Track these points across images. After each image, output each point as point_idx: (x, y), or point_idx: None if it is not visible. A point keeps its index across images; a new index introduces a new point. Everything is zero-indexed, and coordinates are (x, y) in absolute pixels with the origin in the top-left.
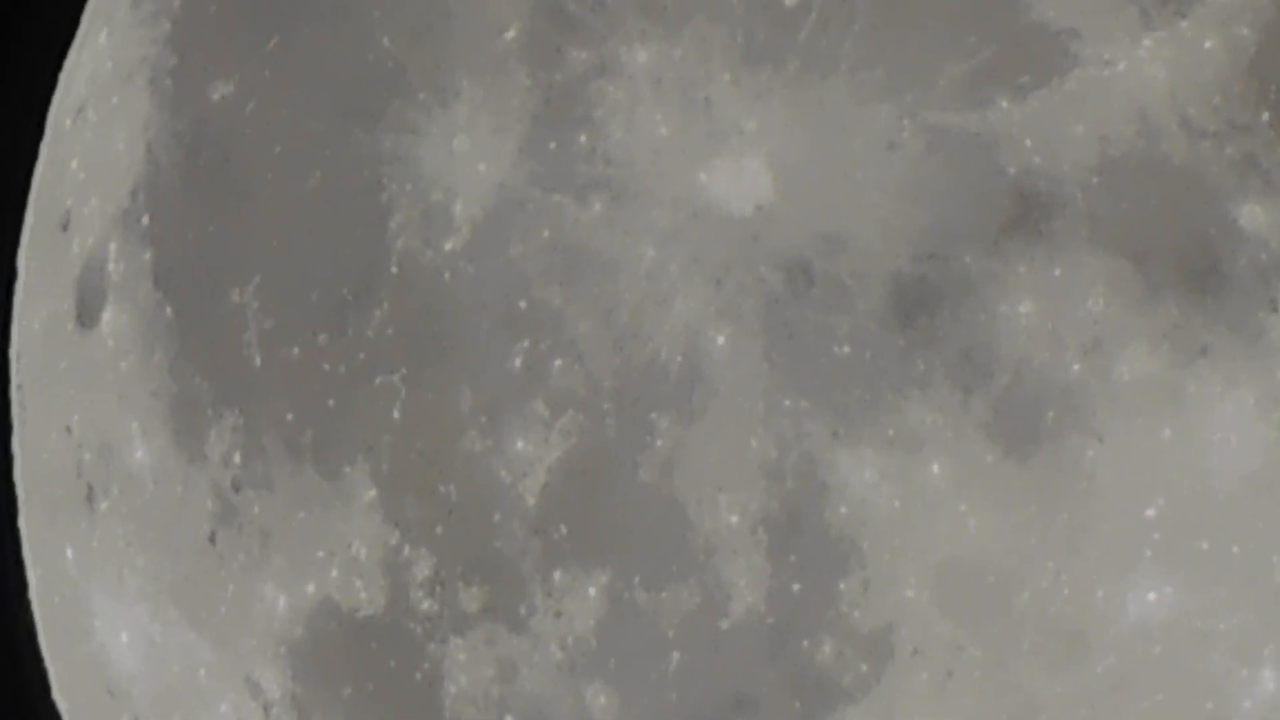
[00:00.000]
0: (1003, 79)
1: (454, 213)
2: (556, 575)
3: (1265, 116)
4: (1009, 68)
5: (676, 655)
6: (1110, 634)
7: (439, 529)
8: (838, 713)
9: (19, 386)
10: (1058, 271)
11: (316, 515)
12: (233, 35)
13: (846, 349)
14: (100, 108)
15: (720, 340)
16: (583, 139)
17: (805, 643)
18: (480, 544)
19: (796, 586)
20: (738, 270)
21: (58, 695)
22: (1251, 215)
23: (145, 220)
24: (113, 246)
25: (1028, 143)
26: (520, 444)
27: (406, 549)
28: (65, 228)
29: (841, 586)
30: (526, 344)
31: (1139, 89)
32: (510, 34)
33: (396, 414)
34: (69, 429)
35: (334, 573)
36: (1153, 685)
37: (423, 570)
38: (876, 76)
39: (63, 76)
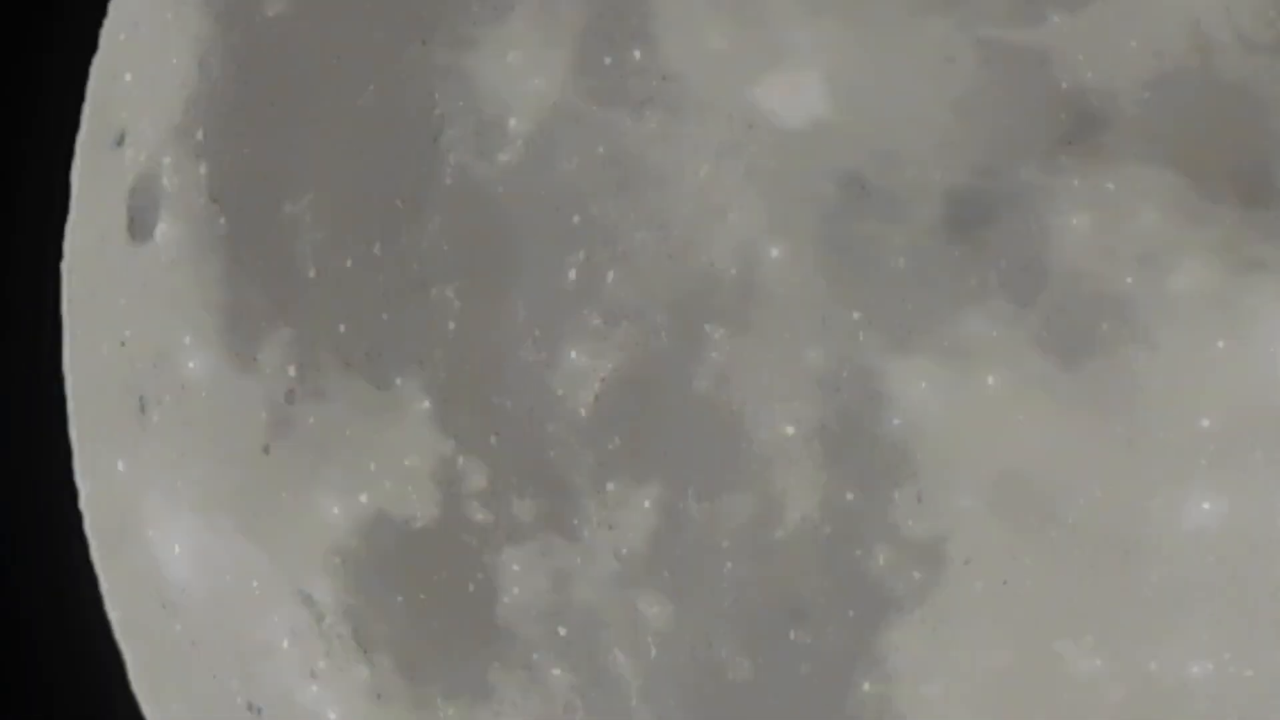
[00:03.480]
0: None
1: (507, 127)
2: (610, 486)
3: None
4: None
5: (730, 565)
6: (1165, 543)
7: (493, 440)
8: (890, 620)
9: (70, 301)
10: (1111, 185)
11: (370, 426)
12: None
13: (901, 262)
14: (153, 23)
15: (775, 253)
16: (637, 54)
17: (859, 552)
18: (534, 455)
19: (850, 496)
20: (792, 184)
21: (109, 606)
22: None
23: (199, 135)
24: (166, 161)
25: (1081, 57)
26: (574, 355)
27: (460, 460)
28: (119, 143)
29: (895, 496)
30: (581, 256)
31: (1192, 2)
32: None
33: (451, 326)
34: (121, 342)
35: (387, 484)
36: (1208, 593)
37: (476, 481)
38: None
39: None
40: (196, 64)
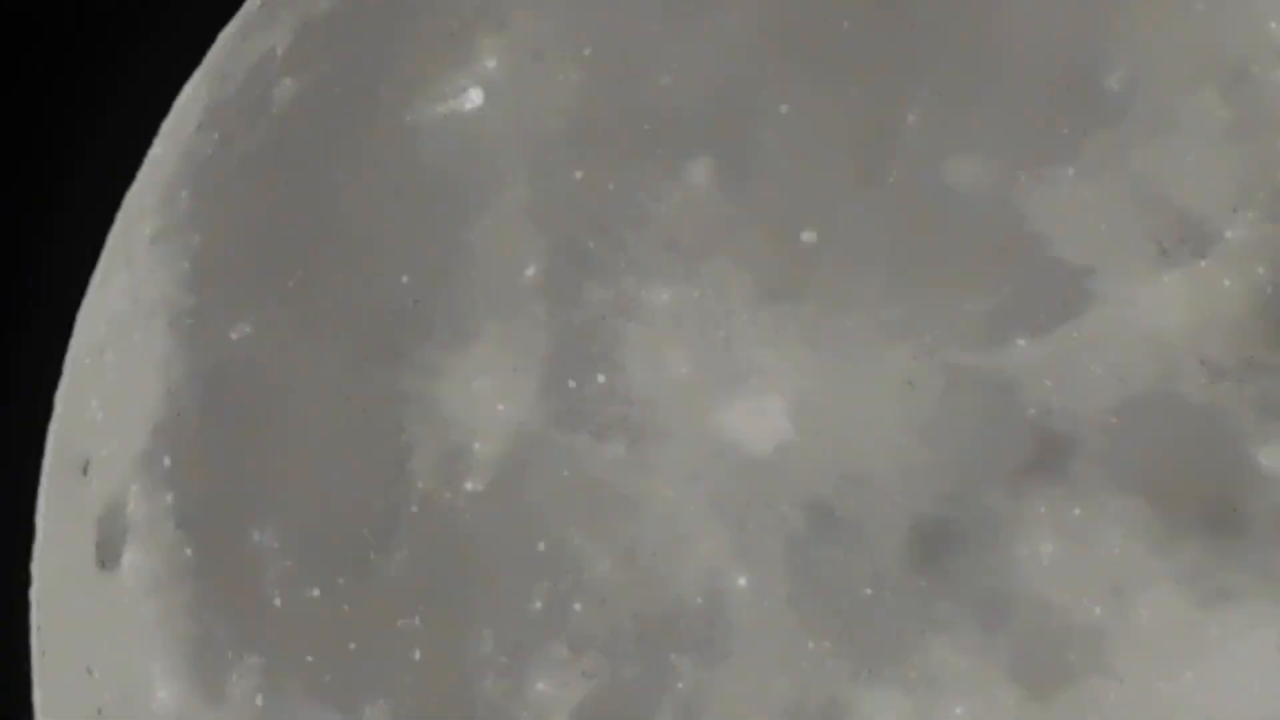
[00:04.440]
0: (1022, 318)
1: (474, 453)
2: None
3: None
4: (1028, 306)
5: None
6: None
7: None
8: None
9: (39, 628)
10: (1077, 512)
11: None
12: (252, 275)
13: (868, 590)
14: (119, 348)
15: (742, 581)
16: (602, 378)
17: None
18: None
19: None
20: (758, 510)
21: None
22: (1272, 456)
23: (166, 461)
24: (133, 488)
25: (1047, 383)
26: (541, 686)
27: None
28: (85, 470)
29: None
30: (547, 585)
31: (1158, 328)
32: (530, 272)
33: (417, 655)
34: (90, 671)
35: None
36: None
37: None
38: (895, 315)
39: (81, 315)
40: (163, 389)
